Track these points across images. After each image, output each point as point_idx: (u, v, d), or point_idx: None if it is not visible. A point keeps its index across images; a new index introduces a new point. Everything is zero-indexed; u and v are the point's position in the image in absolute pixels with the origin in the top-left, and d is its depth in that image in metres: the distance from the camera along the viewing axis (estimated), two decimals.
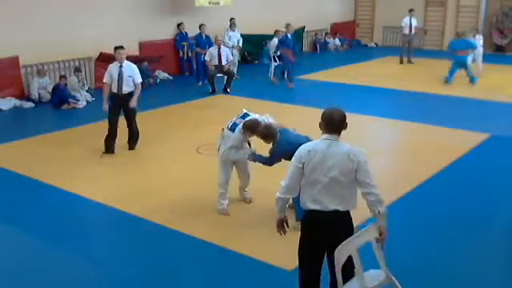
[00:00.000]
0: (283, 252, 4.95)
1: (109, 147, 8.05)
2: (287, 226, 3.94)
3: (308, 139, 5.38)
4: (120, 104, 8.02)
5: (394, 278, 3.81)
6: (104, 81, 8.05)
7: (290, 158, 3.93)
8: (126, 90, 7.96)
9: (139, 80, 8.08)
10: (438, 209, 6.18)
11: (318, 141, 3.68)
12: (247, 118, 5.71)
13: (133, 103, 8.02)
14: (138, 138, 8.31)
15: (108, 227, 5.92)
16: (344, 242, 3.50)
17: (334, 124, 3.61)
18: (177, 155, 8.04)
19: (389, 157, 8.25)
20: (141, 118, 10.20)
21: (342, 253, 3.48)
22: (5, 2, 11.26)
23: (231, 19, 14.72)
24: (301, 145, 3.69)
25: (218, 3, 15.20)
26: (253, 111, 5.94)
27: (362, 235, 3.65)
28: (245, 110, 5.92)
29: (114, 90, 7.96)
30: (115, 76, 7.89)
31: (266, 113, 6.03)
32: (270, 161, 5.62)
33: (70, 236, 5.62)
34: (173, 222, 5.76)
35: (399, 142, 9.23)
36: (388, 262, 5.02)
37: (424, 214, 6.04)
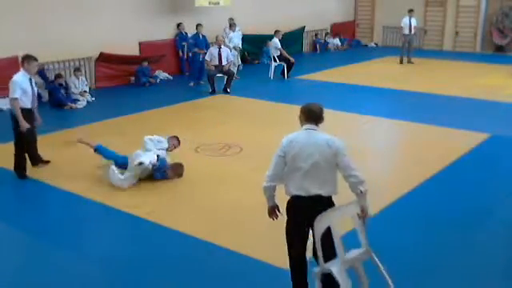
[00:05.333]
0: (283, 252, 4.95)
1: (24, 174, 7.15)
2: (279, 211, 4.15)
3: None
4: (31, 122, 7.09)
5: (373, 254, 4.03)
6: (16, 96, 6.83)
7: None
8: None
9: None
10: (438, 209, 6.18)
11: (299, 132, 4.00)
12: None
13: (39, 119, 7.31)
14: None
15: (107, 227, 5.92)
16: (323, 213, 3.77)
17: (313, 115, 4.00)
18: (176, 155, 8.03)
19: (389, 157, 8.25)
20: (141, 118, 10.26)
21: (321, 223, 3.75)
22: (5, 2, 11.27)
23: (230, 19, 14.69)
24: None
25: (218, 3, 15.21)
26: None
27: (341, 209, 3.93)
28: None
29: (28, 106, 6.97)
30: (29, 90, 6.92)
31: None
32: None
33: (71, 236, 5.63)
34: (172, 222, 5.77)
35: (399, 142, 9.23)
36: (389, 261, 5.03)
37: (424, 215, 6.04)
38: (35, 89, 7.09)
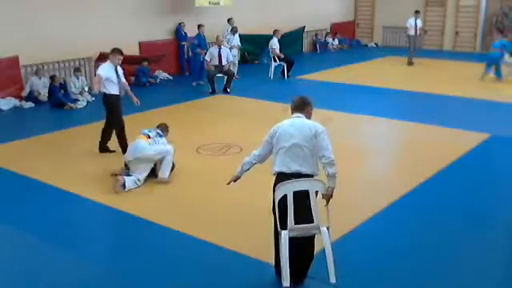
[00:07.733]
0: None
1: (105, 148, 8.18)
2: (234, 181, 4.74)
3: None
4: (120, 108, 8.09)
5: (323, 233, 4.32)
6: (100, 73, 7.86)
7: None
8: None
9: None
10: (437, 209, 6.19)
11: (287, 119, 4.54)
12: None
13: (135, 98, 8.23)
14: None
15: (106, 226, 5.93)
16: (284, 182, 4.26)
17: (294, 105, 4.61)
18: (176, 155, 8.04)
19: (389, 157, 8.26)
20: (141, 119, 10.25)
21: (280, 190, 4.27)
22: (5, 1, 11.26)
23: (229, 20, 14.60)
24: None
25: (218, 3, 15.21)
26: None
27: (302, 182, 4.30)
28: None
29: (116, 92, 7.93)
30: (114, 78, 7.85)
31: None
32: None
33: (70, 236, 5.64)
34: (172, 222, 5.78)
35: (399, 142, 9.23)
36: (388, 260, 5.04)
37: (424, 215, 6.04)
38: (121, 78, 7.93)
